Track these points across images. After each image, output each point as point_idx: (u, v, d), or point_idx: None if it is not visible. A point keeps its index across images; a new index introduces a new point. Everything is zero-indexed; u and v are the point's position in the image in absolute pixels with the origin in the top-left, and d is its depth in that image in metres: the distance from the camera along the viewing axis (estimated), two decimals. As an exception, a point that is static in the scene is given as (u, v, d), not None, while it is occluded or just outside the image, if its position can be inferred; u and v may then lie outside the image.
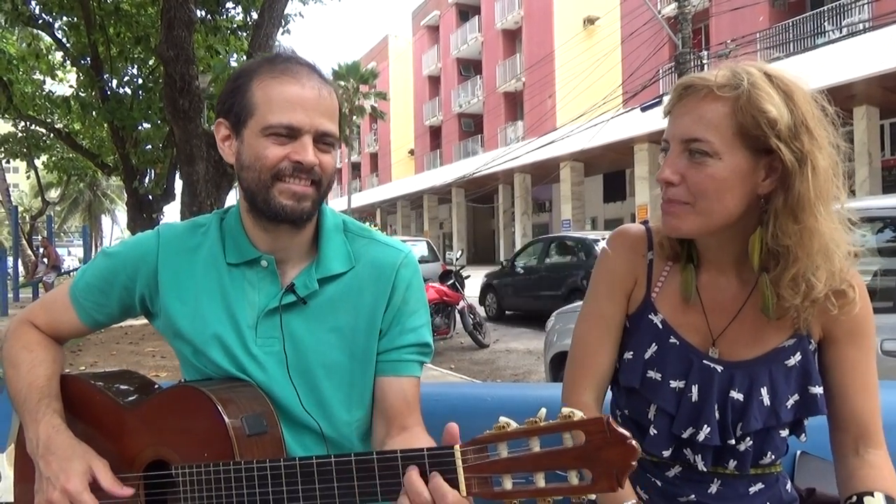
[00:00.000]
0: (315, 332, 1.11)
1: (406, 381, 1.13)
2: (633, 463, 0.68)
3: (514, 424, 0.73)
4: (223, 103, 1.08)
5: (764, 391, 1.05)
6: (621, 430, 0.69)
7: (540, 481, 0.73)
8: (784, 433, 1.08)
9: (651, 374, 1.10)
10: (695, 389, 1.07)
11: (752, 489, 1.10)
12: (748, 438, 1.05)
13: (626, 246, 1.17)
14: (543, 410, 0.72)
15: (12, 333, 1.17)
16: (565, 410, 0.70)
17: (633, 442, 0.68)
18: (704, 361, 1.08)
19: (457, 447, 0.79)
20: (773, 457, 1.08)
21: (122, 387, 1.14)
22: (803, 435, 1.11)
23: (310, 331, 1.11)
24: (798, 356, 1.07)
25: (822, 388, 1.06)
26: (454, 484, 0.79)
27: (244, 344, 1.09)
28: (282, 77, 1.04)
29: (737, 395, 1.06)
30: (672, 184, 1.02)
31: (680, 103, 1.04)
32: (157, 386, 1.16)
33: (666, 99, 1.11)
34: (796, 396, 1.06)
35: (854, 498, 1.02)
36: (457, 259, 11.52)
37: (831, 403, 1.09)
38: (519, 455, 0.73)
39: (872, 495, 1.00)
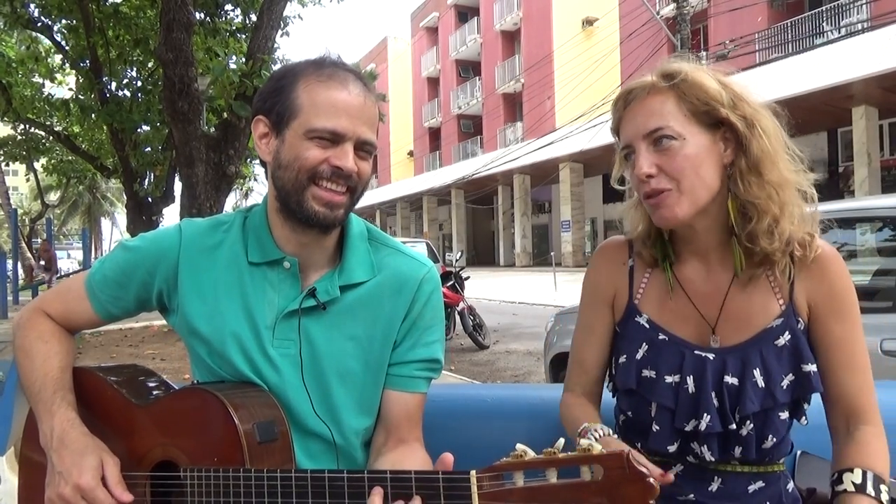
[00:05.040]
0: (332, 339, 1.10)
1: (411, 397, 1.14)
2: (652, 502, 0.68)
3: (531, 453, 0.73)
4: (264, 101, 1.08)
5: (757, 373, 1.07)
6: (641, 467, 0.69)
7: None
8: (784, 415, 1.09)
9: (646, 372, 1.13)
10: (690, 381, 1.09)
11: (752, 487, 1.10)
12: (749, 422, 1.07)
13: (605, 258, 1.25)
14: (561, 441, 0.72)
15: (26, 322, 1.15)
16: (584, 443, 0.70)
17: (652, 480, 0.68)
18: (696, 352, 1.11)
19: (473, 473, 0.78)
20: (774, 440, 1.08)
21: (133, 383, 1.13)
22: (804, 418, 1.12)
23: (327, 337, 1.10)
24: (787, 335, 1.08)
25: (815, 365, 1.08)
26: None
27: (261, 344, 1.09)
28: (329, 82, 1.05)
29: (731, 380, 1.08)
30: (651, 175, 1.07)
31: (627, 109, 1.12)
32: (166, 384, 1.15)
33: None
34: (791, 376, 1.08)
35: (835, 475, 1.04)
36: (456, 260, 11.51)
37: (821, 383, 1.09)
38: (536, 485, 0.72)
39: (852, 471, 1.01)
